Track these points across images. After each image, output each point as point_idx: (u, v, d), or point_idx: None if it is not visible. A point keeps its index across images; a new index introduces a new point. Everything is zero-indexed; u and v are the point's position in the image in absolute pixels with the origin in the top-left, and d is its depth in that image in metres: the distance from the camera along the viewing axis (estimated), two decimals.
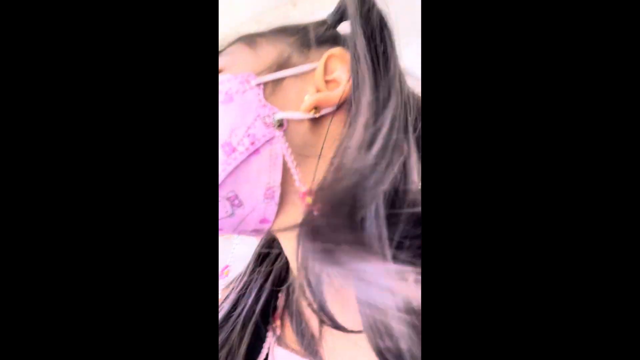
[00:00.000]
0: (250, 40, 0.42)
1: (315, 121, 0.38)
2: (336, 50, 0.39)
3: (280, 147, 0.37)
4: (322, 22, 0.44)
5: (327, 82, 0.39)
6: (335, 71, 0.39)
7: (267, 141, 0.37)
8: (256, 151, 0.36)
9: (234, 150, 0.36)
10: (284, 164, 0.37)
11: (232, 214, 0.38)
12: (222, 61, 0.40)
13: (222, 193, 0.36)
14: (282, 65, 0.39)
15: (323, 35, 0.42)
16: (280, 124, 0.37)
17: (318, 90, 0.38)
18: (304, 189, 0.37)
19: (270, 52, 0.40)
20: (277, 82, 0.38)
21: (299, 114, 0.37)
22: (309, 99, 0.37)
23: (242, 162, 0.36)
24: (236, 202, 0.37)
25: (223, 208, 0.37)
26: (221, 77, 0.38)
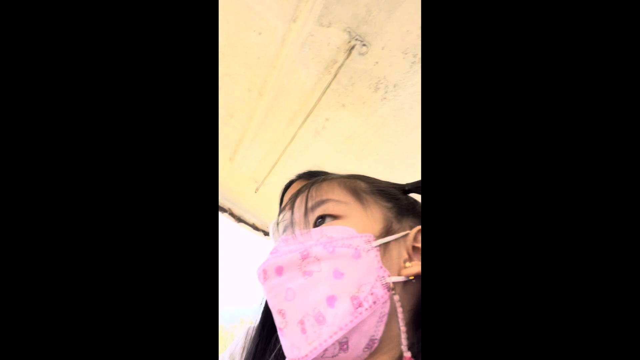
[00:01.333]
0: (358, 196, 0.50)
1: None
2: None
3: (392, 307, 0.43)
4: (402, 187, 0.54)
5: (414, 247, 0.47)
6: (418, 242, 0.47)
7: (384, 302, 0.42)
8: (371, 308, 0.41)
9: (360, 304, 0.41)
10: (391, 323, 0.43)
11: (336, 355, 0.42)
12: (337, 208, 0.48)
13: (338, 337, 0.40)
14: (388, 230, 0.47)
15: (407, 207, 0.51)
16: (393, 287, 0.43)
17: (408, 253, 0.46)
18: (408, 354, 0.41)
19: (378, 217, 0.48)
20: (385, 245, 0.45)
21: (403, 277, 0.44)
22: (414, 268, 0.44)
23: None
24: (345, 346, 0.41)
25: (332, 348, 0.41)
26: (347, 230, 0.45)
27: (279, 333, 0.44)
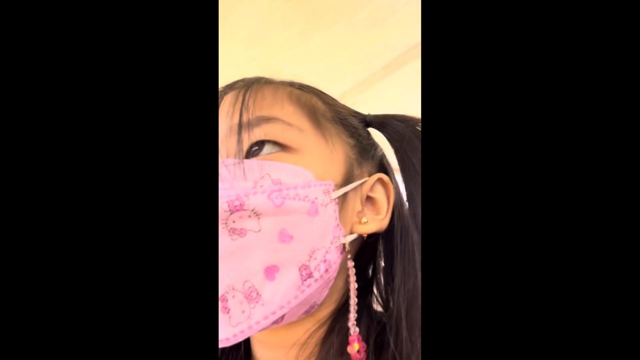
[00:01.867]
0: (317, 121, 0.38)
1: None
2: (385, 177, 0.40)
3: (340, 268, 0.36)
4: (363, 119, 0.44)
5: (367, 197, 0.39)
6: (377, 192, 0.39)
7: (336, 268, 0.34)
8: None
9: (310, 275, 0.33)
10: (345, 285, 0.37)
11: (265, 328, 0.34)
12: (288, 134, 0.36)
13: (276, 317, 0.32)
14: (348, 176, 0.37)
15: (368, 147, 0.42)
16: (348, 250, 0.35)
17: (362, 204, 0.38)
18: (357, 331, 0.34)
19: (340, 157, 0.38)
20: (343, 196, 0.36)
21: (356, 236, 0.36)
22: (371, 225, 0.37)
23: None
24: (279, 320, 0.33)
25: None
26: (302, 173, 0.34)
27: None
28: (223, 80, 0.44)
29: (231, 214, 0.31)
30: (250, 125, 0.35)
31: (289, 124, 0.36)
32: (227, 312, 0.31)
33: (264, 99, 0.37)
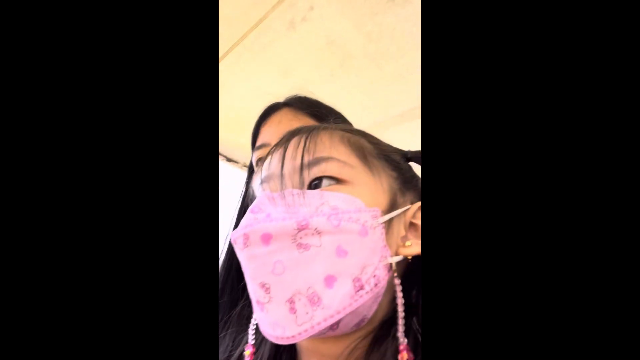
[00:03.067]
0: (365, 159, 0.45)
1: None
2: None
3: (388, 286, 0.41)
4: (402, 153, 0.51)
5: (410, 223, 0.44)
6: (418, 219, 0.45)
7: (384, 285, 0.40)
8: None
9: (362, 287, 0.38)
10: (382, 301, 0.41)
11: (323, 334, 0.39)
12: (342, 170, 0.43)
13: (334, 321, 0.37)
14: (393, 204, 0.43)
15: (410, 179, 0.48)
16: (394, 269, 0.41)
17: (405, 230, 0.44)
18: (405, 341, 0.39)
19: (385, 187, 0.44)
20: (388, 221, 0.42)
21: (401, 257, 0.42)
22: (414, 248, 0.42)
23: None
24: (335, 326, 0.38)
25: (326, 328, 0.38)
26: (353, 201, 0.41)
27: (256, 306, 0.39)
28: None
29: (299, 231, 0.38)
30: (311, 164, 0.43)
31: (343, 162, 0.43)
32: (294, 313, 0.37)
33: (322, 142, 0.44)
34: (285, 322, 0.37)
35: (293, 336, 0.37)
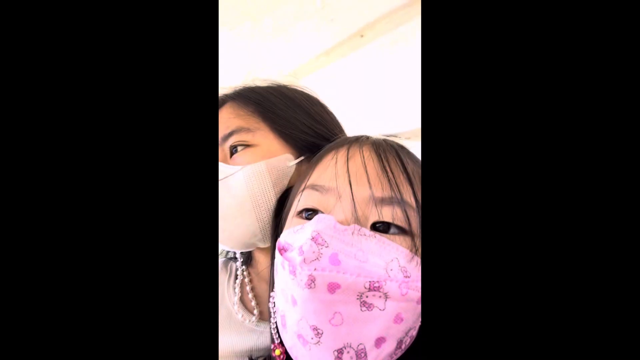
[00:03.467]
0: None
1: None
2: None
3: None
4: None
5: None
6: None
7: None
8: None
9: (401, 347, 0.40)
10: None
11: None
12: (409, 218, 0.40)
13: None
14: None
15: None
16: None
17: None
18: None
19: None
20: None
21: None
22: None
23: None
24: None
25: None
26: (419, 264, 0.39)
27: (297, 339, 0.39)
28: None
29: (368, 291, 0.37)
30: (384, 202, 0.40)
31: (411, 208, 0.40)
32: None
33: (396, 174, 0.41)
34: None
35: None
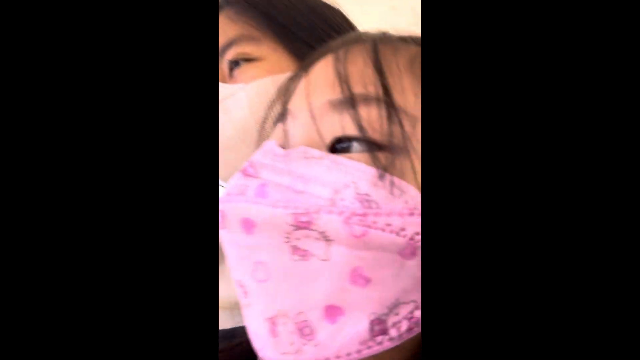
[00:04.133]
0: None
1: None
2: None
3: None
4: None
5: None
6: None
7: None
8: None
9: (384, 332, 0.26)
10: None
11: None
12: (389, 126, 0.27)
13: (332, 358, 0.27)
14: None
15: None
16: None
17: None
18: None
19: None
20: None
21: None
22: None
23: None
24: None
25: None
26: (408, 192, 0.26)
27: (241, 300, 0.29)
28: None
29: (295, 229, 0.25)
30: (344, 104, 0.27)
31: (390, 110, 0.27)
32: (275, 337, 0.27)
33: (358, 68, 0.28)
34: (263, 341, 0.28)
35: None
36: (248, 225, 0.26)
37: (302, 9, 0.48)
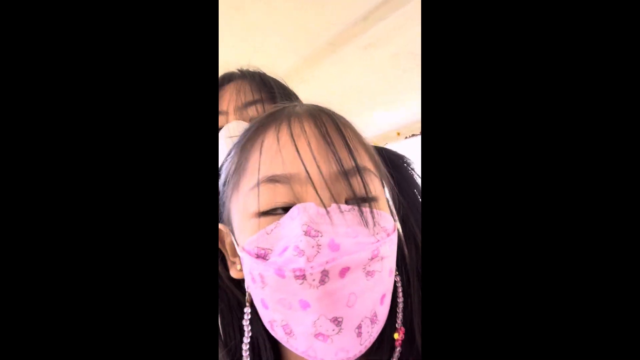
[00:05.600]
0: (379, 170, 0.45)
1: None
2: None
3: None
4: None
5: None
6: None
7: None
8: None
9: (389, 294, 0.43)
10: None
11: None
12: (376, 185, 0.43)
13: (382, 324, 0.41)
14: None
15: None
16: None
17: None
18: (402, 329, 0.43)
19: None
20: None
21: None
22: None
23: None
24: None
25: None
26: (389, 219, 0.42)
27: (320, 340, 0.37)
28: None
29: (370, 260, 0.37)
30: (351, 173, 0.39)
31: (374, 174, 0.42)
32: (360, 336, 0.37)
33: (355, 144, 0.42)
34: (350, 346, 0.37)
35: (355, 355, 0.37)
36: (344, 272, 0.36)
37: (278, 84, 0.72)
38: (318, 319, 0.36)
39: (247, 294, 0.43)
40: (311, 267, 0.35)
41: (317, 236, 0.36)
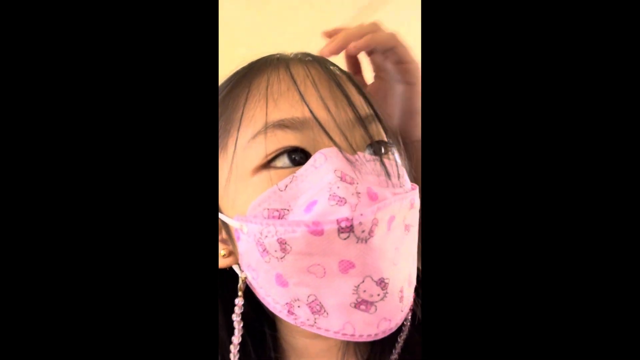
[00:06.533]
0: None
1: None
2: None
3: None
4: None
5: None
6: None
7: None
8: None
9: None
10: None
11: None
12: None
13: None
14: None
15: None
16: None
17: None
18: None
19: None
20: None
21: None
22: None
23: None
24: None
25: None
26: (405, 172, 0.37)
27: (360, 311, 0.31)
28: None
29: (409, 210, 0.33)
30: (368, 119, 0.34)
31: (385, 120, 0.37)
32: (402, 301, 0.32)
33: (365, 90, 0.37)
34: (392, 313, 0.32)
35: (397, 324, 0.32)
36: (390, 221, 0.31)
37: None
38: (363, 281, 0.30)
39: (240, 280, 0.35)
40: (361, 215, 0.29)
41: (354, 183, 0.30)
